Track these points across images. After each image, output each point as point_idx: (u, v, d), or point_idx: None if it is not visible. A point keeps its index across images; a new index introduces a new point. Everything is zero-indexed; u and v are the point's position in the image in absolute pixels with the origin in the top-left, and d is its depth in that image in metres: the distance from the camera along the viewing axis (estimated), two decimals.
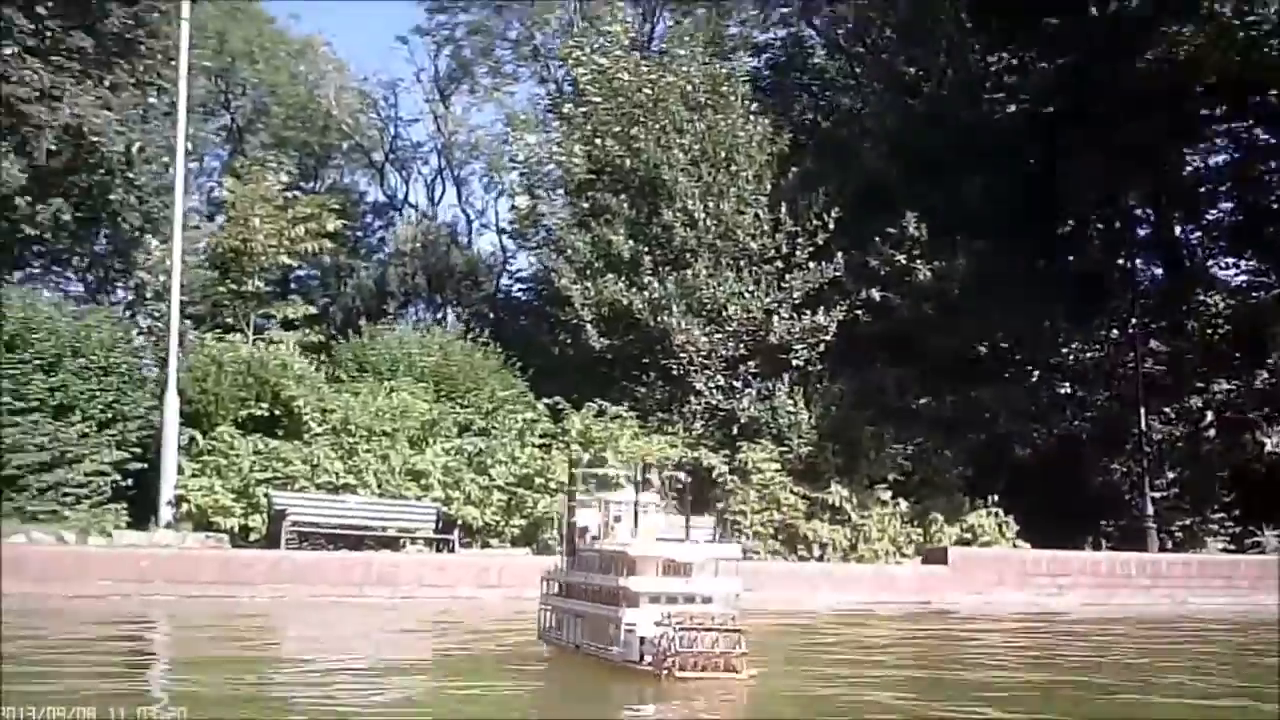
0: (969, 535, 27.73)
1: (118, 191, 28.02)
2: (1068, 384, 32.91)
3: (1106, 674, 13.33)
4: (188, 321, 29.82)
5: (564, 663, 11.91)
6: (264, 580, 19.72)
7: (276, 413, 24.73)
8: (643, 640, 10.37)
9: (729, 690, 10.16)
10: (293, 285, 40.04)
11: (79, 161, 27.07)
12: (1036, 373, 32.84)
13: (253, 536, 22.73)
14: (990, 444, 30.35)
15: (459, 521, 24.07)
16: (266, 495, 22.86)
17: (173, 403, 23.59)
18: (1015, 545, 27.56)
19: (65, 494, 22.47)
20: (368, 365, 26.91)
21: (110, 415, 23.57)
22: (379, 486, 24.10)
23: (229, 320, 30.29)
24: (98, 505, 22.74)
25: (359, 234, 45.50)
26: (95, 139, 26.05)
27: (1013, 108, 33.51)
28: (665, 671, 10.15)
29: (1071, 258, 34.10)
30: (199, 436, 23.94)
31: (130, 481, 23.48)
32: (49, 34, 25.63)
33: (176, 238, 25.41)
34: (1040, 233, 32.08)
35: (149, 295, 29.45)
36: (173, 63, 26.32)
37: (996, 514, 28.00)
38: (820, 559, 27.18)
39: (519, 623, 14.16)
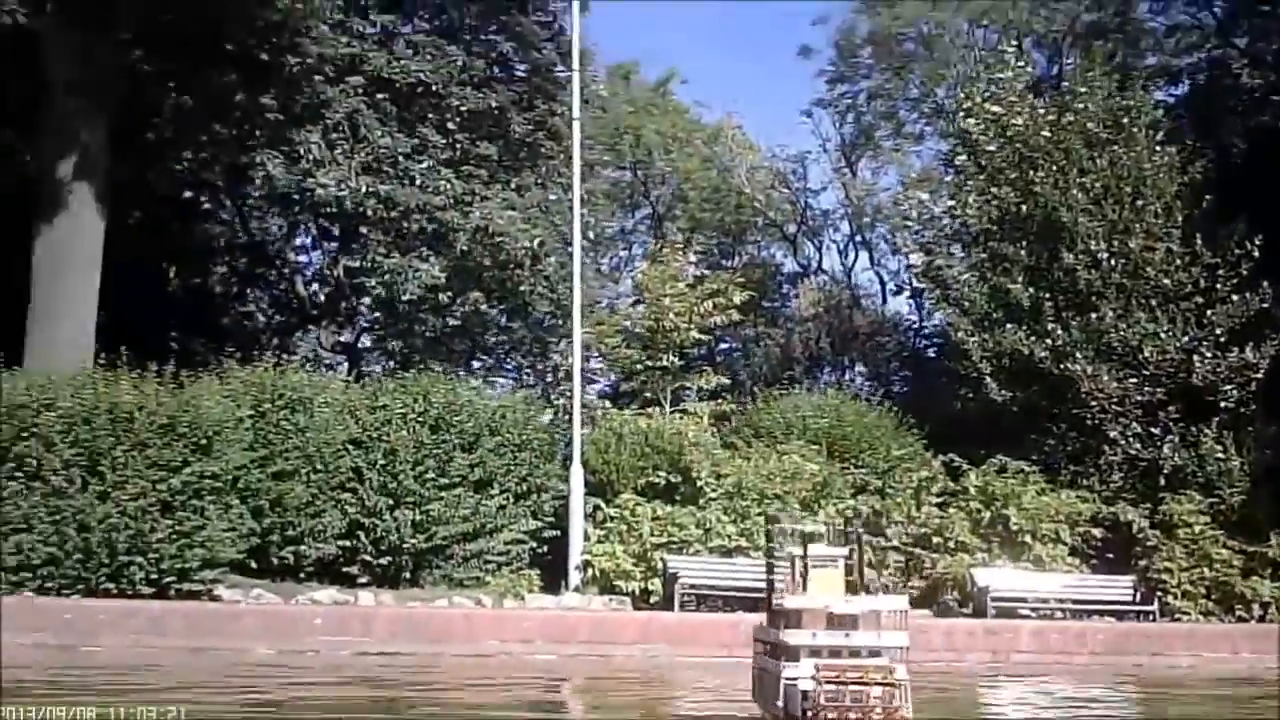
0: None
1: (527, 283, 30.26)
2: None
3: None
4: (605, 400, 31.70)
5: None
6: (634, 640, 20.41)
7: (674, 479, 25.57)
8: (805, 695, 10.20)
9: None
10: (718, 358, 41.58)
11: (491, 258, 29.54)
12: None
13: (652, 599, 23.64)
14: None
15: None
16: (662, 559, 23.73)
17: (578, 473, 25.02)
18: None
19: (487, 561, 24.20)
20: (761, 430, 27.32)
21: (525, 488, 25.13)
22: None
23: (647, 395, 31.78)
24: (516, 571, 24.38)
25: (775, 304, 46.50)
26: (500, 238, 28.36)
27: None
28: None
29: None
30: (603, 504, 25.17)
31: (545, 548, 24.99)
32: (459, 146, 28.38)
33: (576, 321, 27.11)
34: None
35: (561, 376, 31.51)
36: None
37: None
38: (1262, 619, 24.71)
39: None
